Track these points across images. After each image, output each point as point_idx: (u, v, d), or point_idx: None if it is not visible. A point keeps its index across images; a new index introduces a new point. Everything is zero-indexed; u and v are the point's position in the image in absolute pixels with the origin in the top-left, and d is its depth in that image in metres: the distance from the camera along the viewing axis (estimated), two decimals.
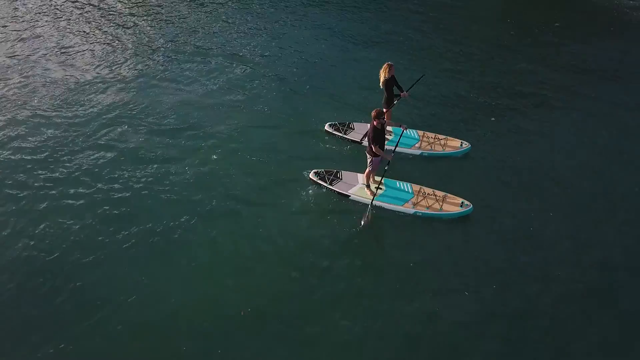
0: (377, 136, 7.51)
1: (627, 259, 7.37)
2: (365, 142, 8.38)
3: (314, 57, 11.99)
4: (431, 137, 9.12)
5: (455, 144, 8.98)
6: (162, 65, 11.55)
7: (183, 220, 7.75)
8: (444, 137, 9.10)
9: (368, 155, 7.86)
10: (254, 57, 11.96)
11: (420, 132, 9.20)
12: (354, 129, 9.37)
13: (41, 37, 12.44)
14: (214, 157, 8.90)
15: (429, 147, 8.92)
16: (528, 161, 9.05)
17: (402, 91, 8.50)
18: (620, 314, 6.68)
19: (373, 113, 7.39)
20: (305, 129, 9.60)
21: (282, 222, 7.70)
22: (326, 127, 9.49)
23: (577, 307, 6.69)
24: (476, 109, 10.38)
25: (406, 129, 8.06)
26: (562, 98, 10.79)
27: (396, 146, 7.93)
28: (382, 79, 8.44)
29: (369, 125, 8.01)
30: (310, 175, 8.38)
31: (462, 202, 7.81)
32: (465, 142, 9.00)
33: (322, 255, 7.24)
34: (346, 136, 9.30)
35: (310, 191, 8.26)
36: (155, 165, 8.78)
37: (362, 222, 7.60)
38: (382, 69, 8.37)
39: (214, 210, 7.93)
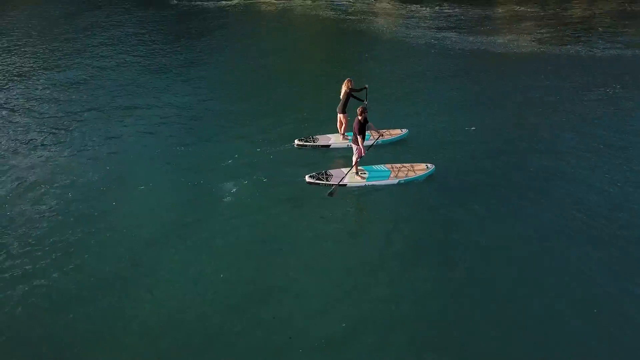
0: (362, 128, 9.28)
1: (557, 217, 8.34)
2: (334, 145, 11.06)
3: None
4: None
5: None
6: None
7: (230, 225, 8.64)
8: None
9: (354, 145, 9.47)
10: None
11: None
12: (318, 139, 11.26)
13: None
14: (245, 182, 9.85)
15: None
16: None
17: (364, 101, 10.57)
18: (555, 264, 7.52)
19: (358, 110, 9.20)
20: (278, 148, 11.10)
21: (305, 216, 8.92)
22: (296, 142, 11.20)
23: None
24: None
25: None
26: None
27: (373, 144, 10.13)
28: (342, 91, 10.64)
29: (329, 135, 11.15)
30: (306, 180, 9.76)
31: (427, 165, 10.02)
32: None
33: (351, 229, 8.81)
34: (316, 144, 11.17)
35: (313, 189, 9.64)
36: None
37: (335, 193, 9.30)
38: (344, 83, 10.60)
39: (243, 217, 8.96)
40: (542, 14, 22.29)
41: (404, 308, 6.94)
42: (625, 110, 12.91)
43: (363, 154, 9.50)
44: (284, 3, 24.67)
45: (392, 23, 21.26)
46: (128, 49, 18.25)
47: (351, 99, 10.73)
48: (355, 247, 8.19)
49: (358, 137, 9.32)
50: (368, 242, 8.31)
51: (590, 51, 17.50)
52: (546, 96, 13.79)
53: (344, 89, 10.69)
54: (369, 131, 9.93)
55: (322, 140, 11.28)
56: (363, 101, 10.57)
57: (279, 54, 18.10)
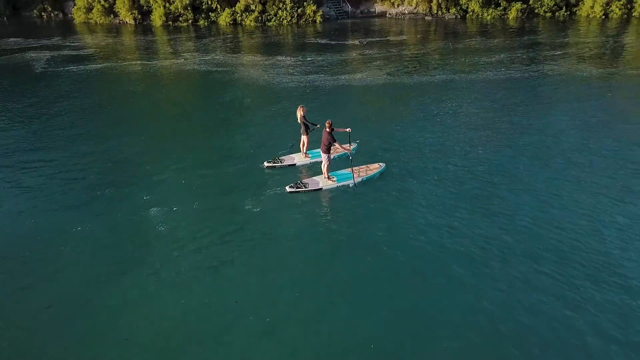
0: (332, 137, 11.36)
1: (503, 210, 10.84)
2: (299, 163, 13.20)
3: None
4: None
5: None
6: None
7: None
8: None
9: (324, 155, 11.69)
10: None
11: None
12: (284, 160, 13.28)
13: None
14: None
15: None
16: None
17: (315, 125, 13.02)
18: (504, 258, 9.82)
19: (327, 123, 11.36)
20: (250, 170, 12.99)
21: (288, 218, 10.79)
22: (265, 164, 13.10)
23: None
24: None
25: (350, 131, 12.17)
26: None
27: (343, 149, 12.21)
28: (299, 116, 12.79)
29: (292, 155, 13.45)
30: (287, 190, 11.71)
31: (379, 164, 12.70)
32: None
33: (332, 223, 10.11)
34: (283, 164, 13.13)
35: (295, 197, 11.68)
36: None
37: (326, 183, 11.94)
38: (298, 110, 12.81)
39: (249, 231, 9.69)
40: (387, 54, 26.59)
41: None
42: (463, 115, 16.47)
43: (350, 151, 12.09)
44: (158, 63, 25.67)
45: (263, 71, 23.56)
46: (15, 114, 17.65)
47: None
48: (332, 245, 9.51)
49: (333, 144, 11.53)
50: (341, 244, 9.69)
51: (427, 78, 21.63)
52: (397, 112, 16.87)
53: (299, 114, 12.83)
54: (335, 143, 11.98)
55: (287, 160, 13.27)
56: (316, 125, 13.01)
57: (167, 107, 19.05)
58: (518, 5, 36.14)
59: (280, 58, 26.26)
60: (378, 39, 30.91)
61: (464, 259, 9.29)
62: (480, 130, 15.60)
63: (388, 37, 31.28)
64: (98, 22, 36.92)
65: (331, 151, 11.83)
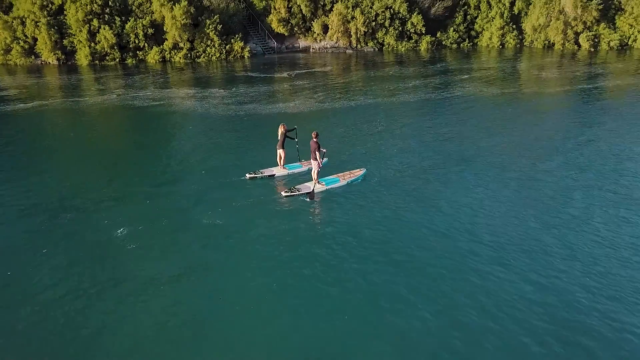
0: (317, 147, 13.39)
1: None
2: (278, 174, 15.07)
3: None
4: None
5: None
6: None
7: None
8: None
9: (314, 162, 13.62)
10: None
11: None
12: (264, 172, 15.01)
13: None
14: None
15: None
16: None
17: (294, 131, 15.23)
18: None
19: (313, 134, 13.52)
20: (235, 182, 14.50)
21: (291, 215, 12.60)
22: (248, 176, 14.70)
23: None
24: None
25: (325, 151, 14.00)
26: None
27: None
28: (280, 132, 14.81)
29: (272, 168, 15.15)
30: (284, 195, 13.44)
31: (361, 169, 14.77)
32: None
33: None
34: (265, 174, 14.91)
35: (292, 200, 13.46)
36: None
37: (314, 194, 13.49)
38: (280, 127, 14.88)
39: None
40: (316, 84, 28.82)
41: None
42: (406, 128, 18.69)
43: (320, 167, 13.60)
44: (90, 99, 25.88)
45: (199, 103, 24.67)
46: None
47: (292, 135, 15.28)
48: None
49: (317, 154, 13.38)
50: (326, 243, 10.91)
51: (354, 102, 23.99)
52: (333, 132, 18.79)
53: (280, 130, 14.78)
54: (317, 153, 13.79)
55: (267, 172, 15.04)
56: (294, 139, 15.11)
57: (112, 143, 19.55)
58: (428, 37, 40.41)
59: (214, 90, 27.56)
60: (305, 70, 33.25)
61: (423, 247, 11.01)
62: (407, 140, 17.90)
63: (314, 69, 33.74)
64: (18, 64, 36.14)
65: (318, 158, 13.59)
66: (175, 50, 37.06)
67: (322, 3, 39.79)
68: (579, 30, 39.12)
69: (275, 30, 39.89)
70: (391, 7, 39.39)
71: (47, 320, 8.74)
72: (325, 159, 14.30)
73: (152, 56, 36.71)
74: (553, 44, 39.88)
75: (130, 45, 36.84)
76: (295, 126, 15.38)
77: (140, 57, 37.04)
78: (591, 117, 21.31)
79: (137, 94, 26.89)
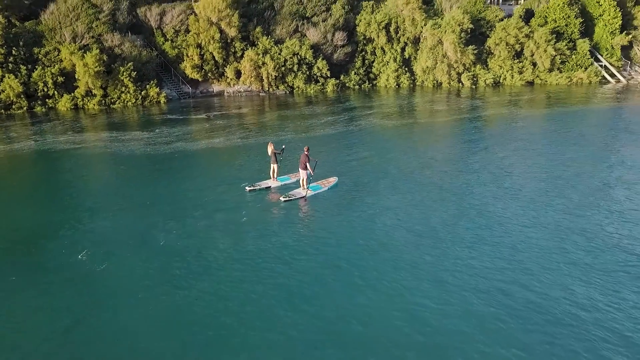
0: (307, 159, 16.70)
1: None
2: (273, 185, 18.17)
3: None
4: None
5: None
6: None
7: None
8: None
9: (303, 171, 16.96)
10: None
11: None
12: (261, 184, 18.02)
13: None
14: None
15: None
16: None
17: (281, 148, 18.60)
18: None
19: (305, 148, 17.03)
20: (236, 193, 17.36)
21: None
22: (247, 189, 17.59)
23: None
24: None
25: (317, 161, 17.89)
26: None
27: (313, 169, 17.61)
28: (269, 150, 17.85)
29: (266, 181, 18.31)
30: (282, 200, 16.67)
31: (334, 178, 18.55)
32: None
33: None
34: (262, 186, 17.94)
35: (289, 204, 16.86)
36: None
37: (306, 198, 17.11)
38: (268, 145, 17.92)
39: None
40: (235, 123, 31.26)
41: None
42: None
43: (312, 175, 16.95)
44: (10, 147, 25.87)
45: (122, 145, 25.80)
46: None
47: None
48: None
49: (307, 164, 16.68)
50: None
51: (273, 138, 26.67)
52: (259, 165, 21.26)
53: (270, 148, 17.80)
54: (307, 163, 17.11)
55: (263, 184, 18.10)
56: (280, 153, 18.23)
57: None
58: (333, 80, 44.94)
59: (137, 133, 28.83)
60: (223, 112, 35.63)
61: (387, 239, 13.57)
62: (330, 167, 20.82)
63: (231, 111, 36.24)
64: None
65: (309, 168, 16.88)
66: (89, 97, 37.59)
67: (233, 50, 42.87)
68: (460, 71, 46.06)
69: (190, 76, 42.06)
70: (298, 53, 43.52)
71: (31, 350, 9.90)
72: (314, 167, 17.61)
73: (63, 104, 36.88)
74: (441, 83, 46.38)
75: (39, 94, 36.77)
76: (283, 146, 19.22)
77: (50, 105, 37.00)
78: (474, 138, 26.08)
79: (57, 139, 27.34)
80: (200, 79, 42.80)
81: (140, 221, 15.11)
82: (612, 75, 48.31)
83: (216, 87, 43.85)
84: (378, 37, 45.84)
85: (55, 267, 12.49)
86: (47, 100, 37.06)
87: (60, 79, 36.80)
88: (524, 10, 49.13)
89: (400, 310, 10.35)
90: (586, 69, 47.23)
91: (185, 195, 17.48)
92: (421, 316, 10.20)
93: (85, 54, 36.56)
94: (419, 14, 45.41)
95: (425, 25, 45.43)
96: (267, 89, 43.77)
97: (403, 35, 46.25)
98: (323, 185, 17.87)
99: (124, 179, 20.15)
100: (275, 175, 18.33)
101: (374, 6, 47.02)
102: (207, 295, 10.97)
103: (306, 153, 16.80)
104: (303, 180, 17.20)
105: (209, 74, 42.96)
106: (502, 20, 47.16)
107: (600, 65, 48.41)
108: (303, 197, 16.91)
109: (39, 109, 36.41)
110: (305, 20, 45.27)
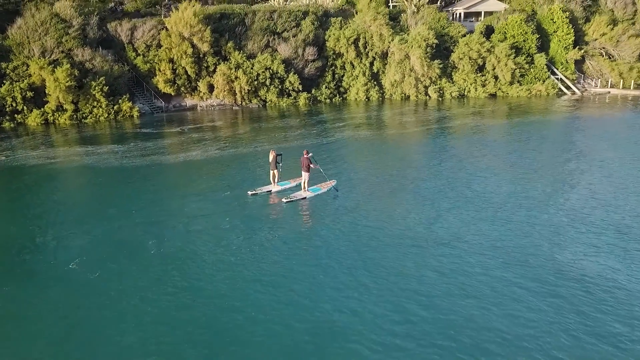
0: (308, 162, 18.34)
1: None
2: (274, 190, 19.59)
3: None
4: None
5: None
6: None
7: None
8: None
9: (305, 173, 18.51)
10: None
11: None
12: (264, 189, 19.49)
13: None
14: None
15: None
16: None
17: (280, 157, 19.53)
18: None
19: (305, 152, 18.51)
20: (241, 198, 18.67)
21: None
22: (249, 193, 19.00)
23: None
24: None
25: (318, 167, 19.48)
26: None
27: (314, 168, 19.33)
28: (271, 157, 19.02)
29: (268, 186, 19.68)
30: (285, 201, 18.19)
31: (333, 180, 20.04)
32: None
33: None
34: (263, 190, 19.37)
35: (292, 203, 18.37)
36: None
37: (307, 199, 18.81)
38: (270, 153, 19.06)
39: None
40: (209, 136, 31.86)
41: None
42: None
43: (321, 170, 19.03)
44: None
45: (98, 159, 26.03)
46: None
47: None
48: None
49: (310, 166, 18.33)
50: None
51: (249, 149, 27.48)
52: (240, 175, 21.99)
53: (271, 155, 19.00)
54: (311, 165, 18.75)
55: (265, 189, 19.53)
56: (280, 154, 19.41)
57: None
58: (304, 94, 46.08)
59: (112, 146, 29.07)
60: (197, 125, 36.16)
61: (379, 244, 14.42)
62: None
63: (205, 124, 36.80)
64: None
65: (313, 166, 18.63)
66: (60, 112, 37.42)
67: (205, 64, 43.52)
68: (427, 84, 48.03)
69: (162, 90, 42.41)
70: (270, 67, 44.53)
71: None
72: (318, 166, 19.33)
73: (33, 119, 36.60)
74: (409, 96, 48.20)
75: (7, 109, 36.39)
76: (281, 153, 19.98)
77: (19, 121, 36.65)
78: (441, 146, 27.58)
79: (28, 154, 27.29)
80: (172, 93, 43.19)
81: (129, 229, 15.58)
82: (568, 88, 51.31)
83: (189, 101, 44.29)
84: (347, 52, 47.38)
85: (48, 277, 12.82)
86: (15, 115, 36.71)
87: (29, 93, 36.57)
88: (485, 26, 51.75)
89: (390, 303, 11.30)
90: (544, 81, 50.02)
91: (170, 204, 18.02)
92: (409, 308, 11.18)
93: (55, 69, 36.52)
94: (386, 29, 47.26)
95: (392, 40, 47.29)
96: (240, 102, 44.50)
97: (371, 50, 47.95)
98: (322, 187, 19.52)
99: (104, 190, 20.47)
100: (276, 181, 19.69)
101: (342, 22, 48.66)
102: (203, 298, 11.60)
103: (306, 156, 18.40)
104: (305, 182, 18.71)
105: (182, 88, 43.40)
106: (464, 36, 49.57)
107: (557, 79, 51.37)
108: (304, 197, 18.59)
109: (8, 125, 36.01)
110: (276, 36, 46.42)
